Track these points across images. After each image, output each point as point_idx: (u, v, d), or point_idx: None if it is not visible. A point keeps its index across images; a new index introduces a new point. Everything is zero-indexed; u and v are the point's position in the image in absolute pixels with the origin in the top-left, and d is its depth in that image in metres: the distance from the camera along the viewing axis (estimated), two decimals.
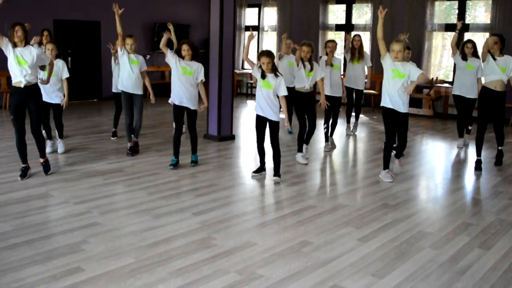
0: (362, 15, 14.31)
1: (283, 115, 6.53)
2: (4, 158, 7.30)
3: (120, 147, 8.26)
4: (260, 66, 6.37)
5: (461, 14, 12.37)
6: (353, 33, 10.30)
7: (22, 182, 6.20)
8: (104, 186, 6.19)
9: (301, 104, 7.43)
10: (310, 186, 6.46)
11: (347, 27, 14.28)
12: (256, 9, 16.22)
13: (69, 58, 13.41)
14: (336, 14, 14.86)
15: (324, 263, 4.15)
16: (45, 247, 4.32)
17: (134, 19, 14.42)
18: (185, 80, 6.80)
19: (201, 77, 6.87)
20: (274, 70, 6.35)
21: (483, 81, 7.44)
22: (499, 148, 7.47)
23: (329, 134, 8.52)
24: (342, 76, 8.42)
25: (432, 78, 12.54)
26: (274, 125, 6.46)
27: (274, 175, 6.54)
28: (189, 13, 15.68)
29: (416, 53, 12.69)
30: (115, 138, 8.87)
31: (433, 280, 3.91)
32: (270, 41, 16.14)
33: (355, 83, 9.41)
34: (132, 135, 7.70)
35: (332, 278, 3.90)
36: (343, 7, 14.44)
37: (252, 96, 16.33)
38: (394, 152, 6.86)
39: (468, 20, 12.33)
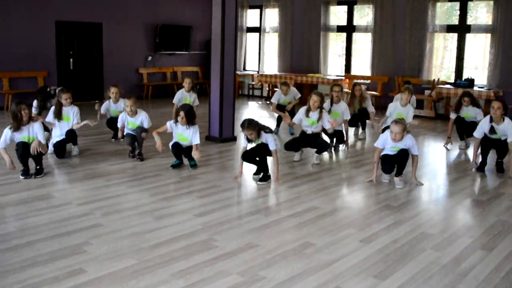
0: (364, 16, 14.31)
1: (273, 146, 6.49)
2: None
3: (122, 148, 8.26)
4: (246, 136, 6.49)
5: (463, 15, 12.37)
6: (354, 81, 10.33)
7: (24, 184, 6.21)
8: (106, 187, 6.19)
9: (303, 141, 7.67)
10: (312, 187, 6.45)
11: (349, 28, 14.29)
12: (258, 10, 16.23)
13: (71, 60, 13.43)
14: (337, 15, 14.86)
15: (326, 265, 4.15)
16: (47, 248, 4.32)
17: (135, 20, 14.44)
18: (182, 143, 7.06)
19: (196, 141, 6.94)
20: (259, 134, 6.40)
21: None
22: (499, 160, 7.40)
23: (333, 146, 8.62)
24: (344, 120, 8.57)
25: (434, 80, 12.54)
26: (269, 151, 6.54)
27: (259, 174, 6.63)
28: (191, 14, 15.68)
29: (417, 55, 12.71)
30: (114, 139, 8.88)
31: (435, 282, 3.90)
32: (271, 42, 16.16)
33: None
34: (135, 147, 7.73)
35: (334, 279, 3.90)
36: (344, 8, 14.44)
37: (253, 97, 16.33)
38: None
39: (469, 21, 12.32)
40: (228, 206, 5.61)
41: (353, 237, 4.77)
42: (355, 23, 14.26)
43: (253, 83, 16.22)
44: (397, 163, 6.53)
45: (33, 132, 6.48)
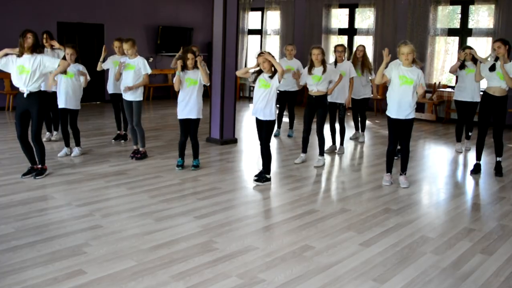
0: (365, 19, 14.31)
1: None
2: (6, 160, 7.31)
3: (122, 149, 8.27)
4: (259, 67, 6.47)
5: (464, 19, 12.37)
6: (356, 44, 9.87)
7: (24, 184, 6.21)
8: (106, 188, 6.19)
9: (309, 108, 7.50)
10: (313, 190, 6.46)
11: (350, 31, 14.29)
12: (259, 13, 16.23)
13: None
14: (339, 18, 14.86)
15: (325, 268, 4.15)
16: (47, 249, 4.32)
17: (137, 21, 14.46)
18: (191, 91, 6.91)
19: (205, 81, 6.92)
20: (273, 73, 6.41)
21: (483, 85, 7.43)
22: (498, 159, 7.35)
23: (338, 141, 8.53)
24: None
25: (435, 83, 12.54)
26: (268, 125, 6.55)
27: (264, 173, 6.63)
28: (192, 16, 15.70)
29: (419, 58, 12.64)
30: (114, 141, 8.87)
31: (434, 286, 3.90)
32: (272, 45, 16.15)
33: (357, 94, 9.37)
34: (137, 145, 7.75)
35: (333, 282, 3.90)
36: (346, 11, 14.45)
37: None
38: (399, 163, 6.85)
39: (471, 24, 12.32)
40: (228, 209, 5.60)
41: (352, 240, 4.77)
42: (356, 26, 14.26)
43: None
44: (401, 133, 6.48)
45: (35, 62, 6.25)
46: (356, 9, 14.16)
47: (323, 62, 7.26)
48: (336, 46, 8.48)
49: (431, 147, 9.60)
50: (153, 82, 15.04)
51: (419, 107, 12.08)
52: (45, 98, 6.50)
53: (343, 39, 14.62)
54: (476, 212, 5.86)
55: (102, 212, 5.33)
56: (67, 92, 7.56)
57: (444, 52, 12.99)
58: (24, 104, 6.32)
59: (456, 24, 12.65)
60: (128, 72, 7.49)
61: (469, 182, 7.16)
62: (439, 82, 12.58)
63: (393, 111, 6.42)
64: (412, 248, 4.63)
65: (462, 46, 8.77)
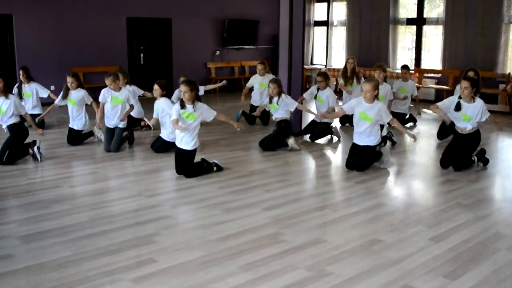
0: (434, 8, 13.93)
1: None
2: (79, 151, 7.57)
3: None
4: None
5: None
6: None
7: (97, 175, 6.42)
8: (176, 180, 6.31)
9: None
10: (380, 184, 6.35)
11: (419, 20, 13.94)
12: (325, 4, 16.10)
13: (142, 55, 13.79)
14: (407, 7, 14.53)
15: (394, 262, 4.08)
16: (119, 238, 4.46)
17: (203, 15, 14.64)
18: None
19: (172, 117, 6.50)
20: (194, 100, 6.25)
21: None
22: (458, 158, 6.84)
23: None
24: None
25: (509, 73, 12.05)
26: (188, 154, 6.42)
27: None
28: (258, 9, 15.74)
29: (491, 47, 12.24)
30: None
31: (509, 284, 3.76)
32: (339, 36, 15.99)
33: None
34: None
35: (402, 277, 3.83)
36: (414, 0, 14.09)
37: None
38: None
39: None
40: (296, 201, 5.60)
41: (422, 235, 4.66)
42: (425, 15, 13.89)
43: None
44: (360, 157, 6.67)
45: (8, 104, 6.64)
46: None
47: (279, 93, 7.91)
48: (317, 75, 8.89)
49: (505, 140, 9.25)
50: (220, 74, 15.19)
51: (492, 99, 11.66)
52: (22, 129, 6.87)
53: (411, 29, 14.30)
54: None
55: (172, 203, 5.44)
56: (73, 116, 7.90)
57: None
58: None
59: None
60: (116, 106, 7.61)
61: None
62: None
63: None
64: (485, 244, 4.48)
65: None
